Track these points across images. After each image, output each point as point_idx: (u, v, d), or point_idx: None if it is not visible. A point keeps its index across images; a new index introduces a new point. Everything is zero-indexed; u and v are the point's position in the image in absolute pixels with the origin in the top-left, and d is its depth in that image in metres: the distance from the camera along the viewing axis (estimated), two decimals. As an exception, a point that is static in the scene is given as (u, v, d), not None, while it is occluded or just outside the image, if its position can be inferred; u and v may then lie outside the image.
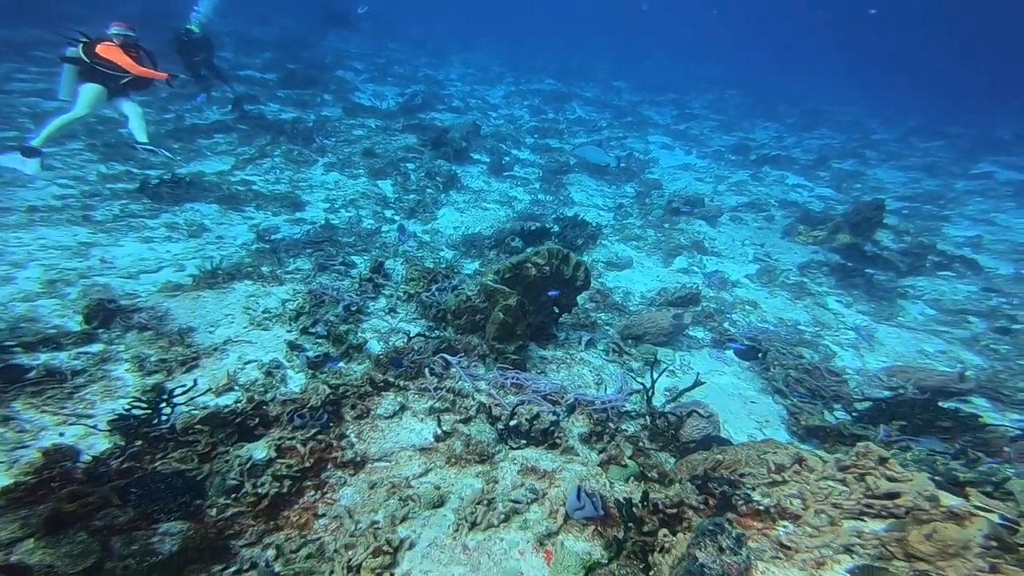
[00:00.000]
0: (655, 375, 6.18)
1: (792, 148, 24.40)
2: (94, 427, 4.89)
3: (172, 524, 3.74)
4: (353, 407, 5.33)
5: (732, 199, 16.36)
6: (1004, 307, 10.54)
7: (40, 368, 5.40)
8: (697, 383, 6.32)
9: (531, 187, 15.42)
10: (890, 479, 3.68)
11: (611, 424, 5.69)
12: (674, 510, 3.95)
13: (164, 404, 4.98)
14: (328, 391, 5.26)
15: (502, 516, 4.19)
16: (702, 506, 4.03)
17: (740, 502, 3.90)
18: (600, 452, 5.27)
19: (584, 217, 12.51)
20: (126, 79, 9.10)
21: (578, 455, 5.18)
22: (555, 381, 6.48)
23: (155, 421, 4.85)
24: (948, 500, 3.62)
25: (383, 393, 5.71)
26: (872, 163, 23.04)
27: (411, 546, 3.96)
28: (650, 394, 6.08)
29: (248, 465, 4.39)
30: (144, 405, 4.91)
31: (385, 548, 3.81)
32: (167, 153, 10.76)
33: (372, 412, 5.37)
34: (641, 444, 5.53)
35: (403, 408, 5.50)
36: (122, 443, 4.63)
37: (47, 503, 3.71)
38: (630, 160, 18.85)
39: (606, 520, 4.12)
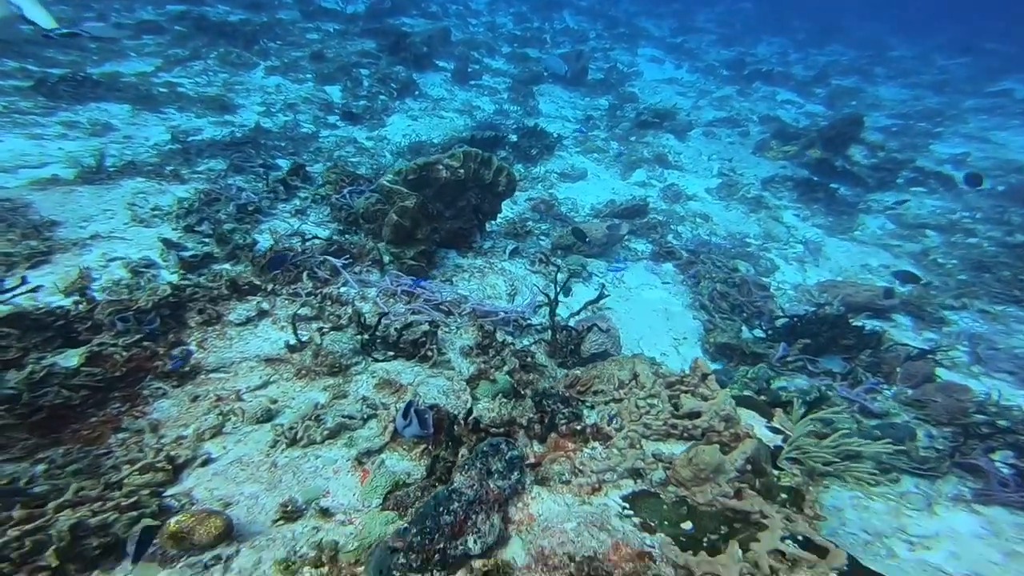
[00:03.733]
0: (560, 287, 5.28)
1: (794, 64, 22.15)
2: None
3: None
4: (201, 312, 4.48)
5: (710, 114, 14.75)
6: (965, 220, 9.47)
7: None
8: (601, 295, 5.45)
9: (498, 97, 13.87)
10: (703, 397, 3.23)
11: (500, 337, 4.85)
12: (500, 429, 3.19)
13: None
14: (167, 292, 4.40)
15: (327, 432, 3.46)
16: (536, 425, 3.29)
17: (563, 421, 3.20)
18: (482, 366, 4.46)
19: (545, 127, 11.19)
20: None
21: (451, 369, 4.38)
22: (457, 291, 5.61)
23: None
24: (745, 421, 3.32)
25: (249, 298, 4.84)
26: (878, 80, 20.86)
27: (206, 463, 3.24)
28: (554, 306, 5.19)
29: (42, 373, 3.59)
30: None
31: (162, 465, 3.07)
32: (91, 32, 9.16)
33: (224, 318, 4.53)
34: (531, 360, 4.71)
35: (262, 314, 4.67)
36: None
37: None
38: (611, 73, 16.99)
39: (439, 439, 3.35)
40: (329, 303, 4.90)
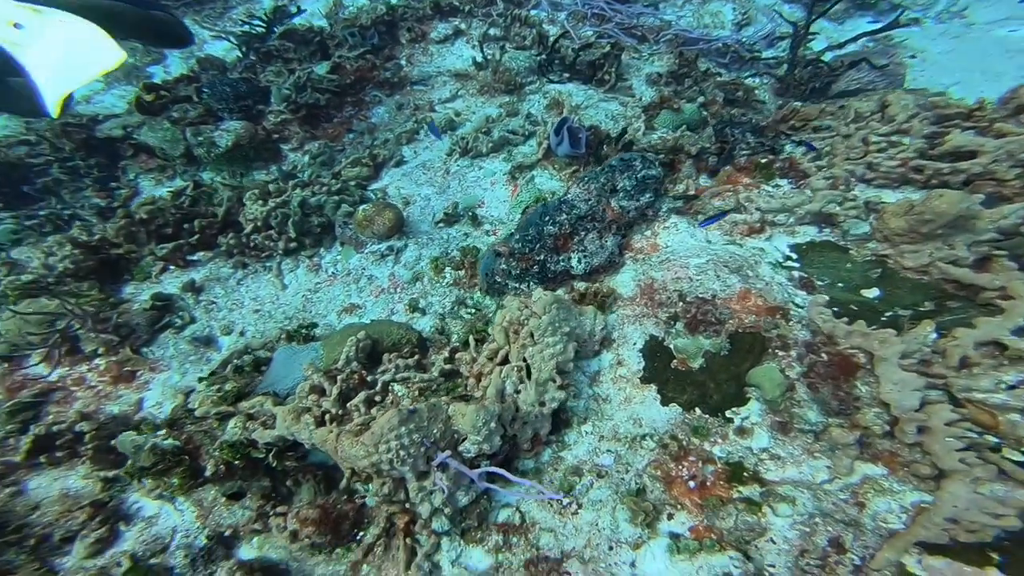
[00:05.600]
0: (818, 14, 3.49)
1: None
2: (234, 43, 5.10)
3: (232, 123, 3.91)
4: (409, 30, 4.42)
5: None
6: None
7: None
8: (892, 24, 3.43)
9: None
10: (998, 134, 1.92)
11: (703, 67, 3.66)
12: (660, 156, 2.52)
13: (276, 25, 4.84)
14: (383, 11, 4.38)
15: (491, 145, 3.34)
16: (710, 156, 2.49)
17: (745, 153, 2.28)
18: (667, 94, 3.55)
19: None
20: None
21: (632, 95, 3.59)
22: (661, 16, 4.28)
23: (265, 37, 4.80)
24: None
25: (449, 18, 4.55)
26: None
27: (399, 164, 3.53)
28: (800, 35, 3.57)
29: (304, 79, 4.16)
30: (263, 24, 4.83)
31: (365, 161, 3.46)
32: None
33: (427, 36, 4.40)
34: (741, 93, 3.52)
35: (457, 33, 4.37)
36: (241, 54, 4.78)
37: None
38: None
39: (590, 161, 2.91)
40: (517, 24, 4.27)
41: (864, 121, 2.32)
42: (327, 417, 1.64)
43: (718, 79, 3.70)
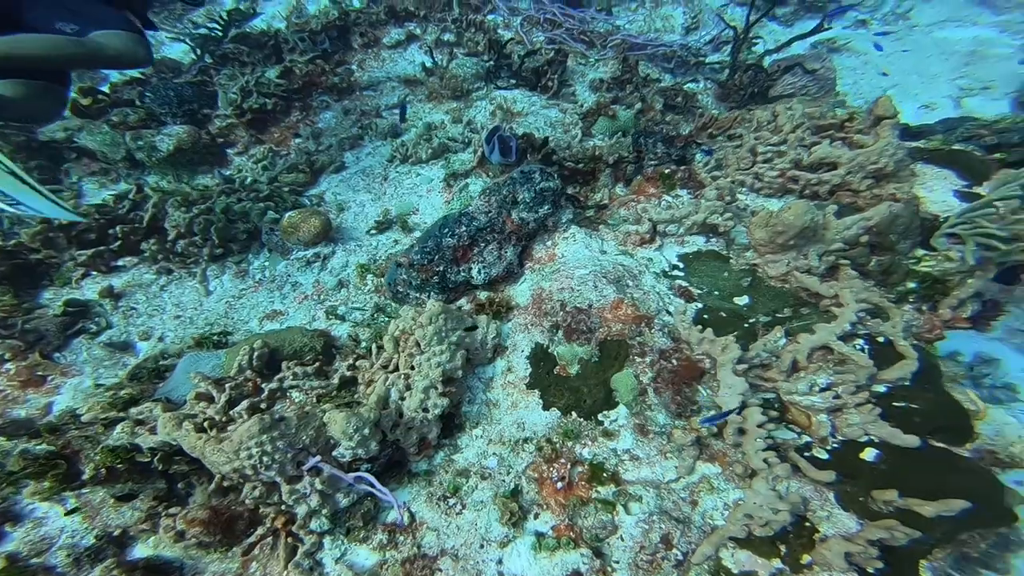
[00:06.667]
0: (762, 13, 3.62)
1: None
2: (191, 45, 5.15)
3: (174, 127, 3.95)
4: (362, 35, 4.49)
5: None
6: None
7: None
8: (818, 28, 3.57)
9: None
10: (854, 144, 2.13)
11: (644, 72, 3.78)
12: (579, 164, 2.63)
13: (232, 26, 4.88)
14: (336, 16, 4.46)
15: (431, 152, 3.42)
16: (628, 165, 2.60)
17: (652, 162, 2.43)
18: (606, 100, 3.66)
19: None
20: None
21: (575, 101, 3.69)
22: (613, 22, 4.40)
23: (221, 40, 4.85)
24: (923, 182, 2.11)
25: (404, 24, 4.63)
26: None
27: (338, 170, 3.60)
28: (740, 39, 3.70)
29: (254, 83, 4.22)
30: (219, 26, 4.88)
31: (302, 167, 3.52)
32: None
33: (380, 41, 4.48)
34: (681, 99, 3.63)
35: (411, 38, 4.46)
36: (196, 55, 4.82)
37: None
38: None
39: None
40: (472, 30, 4.37)
41: (759, 131, 2.44)
42: (207, 424, 1.70)
43: (659, 85, 3.82)
